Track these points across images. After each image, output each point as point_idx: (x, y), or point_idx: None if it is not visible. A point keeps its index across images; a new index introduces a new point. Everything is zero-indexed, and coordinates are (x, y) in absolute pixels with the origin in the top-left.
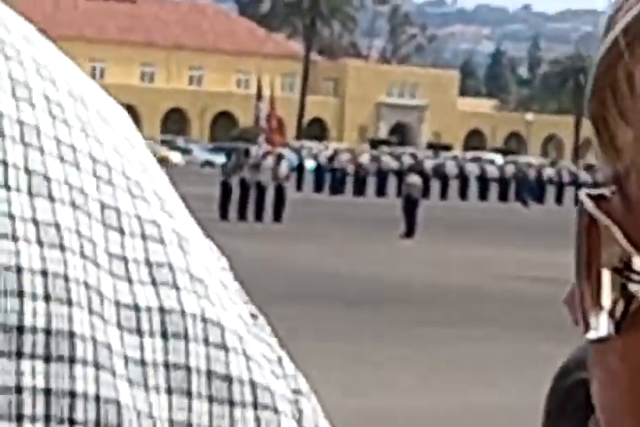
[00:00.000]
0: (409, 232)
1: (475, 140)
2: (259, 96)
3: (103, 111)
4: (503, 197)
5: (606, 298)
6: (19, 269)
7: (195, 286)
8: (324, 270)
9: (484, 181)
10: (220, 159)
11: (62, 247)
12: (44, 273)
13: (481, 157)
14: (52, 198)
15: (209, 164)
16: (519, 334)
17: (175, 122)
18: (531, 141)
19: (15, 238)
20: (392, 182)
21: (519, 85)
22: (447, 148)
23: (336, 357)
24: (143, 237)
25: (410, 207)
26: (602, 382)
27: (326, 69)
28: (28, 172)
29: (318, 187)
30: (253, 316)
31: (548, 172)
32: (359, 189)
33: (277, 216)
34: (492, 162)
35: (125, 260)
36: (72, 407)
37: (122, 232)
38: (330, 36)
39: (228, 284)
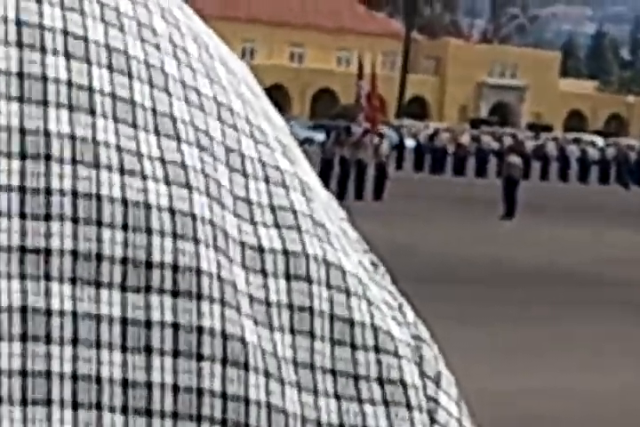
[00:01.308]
0: (509, 213)
1: (575, 121)
2: (360, 74)
3: (227, 61)
4: (604, 179)
5: None
6: (147, 206)
7: (317, 231)
8: (422, 249)
9: (584, 162)
10: (320, 137)
11: (189, 186)
12: (172, 211)
13: (581, 139)
14: (178, 138)
15: (309, 141)
16: (617, 315)
17: (276, 99)
18: (632, 123)
19: (144, 176)
20: (492, 163)
21: (621, 67)
22: (548, 128)
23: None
24: (266, 180)
25: (510, 188)
26: None
27: (427, 48)
28: (154, 113)
29: (418, 166)
30: (374, 264)
31: None
32: (459, 169)
33: (378, 194)
34: (592, 144)
35: (249, 202)
36: (199, 342)
37: (245, 175)
38: (431, 14)
39: (348, 232)
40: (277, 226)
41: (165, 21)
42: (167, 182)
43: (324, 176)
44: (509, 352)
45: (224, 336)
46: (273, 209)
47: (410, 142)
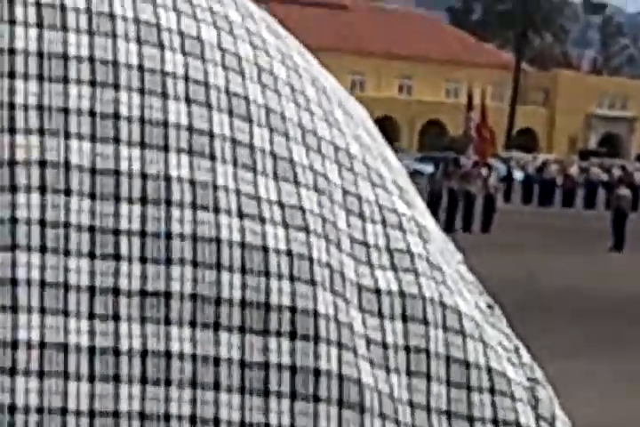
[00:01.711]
0: (618, 245)
1: None
2: (469, 106)
3: (344, 102)
4: None
5: None
6: (265, 249)
7: (433, 273)
8: (528, 281)
9: None
10: (428, 169)
11: (307, 230)
12: (289, 254)
13: None
14: (296, 182)
15: (418, 173)
16: None
17: (385, 131)
18: None
19: (262, 220)
20: (601, 194)
21: None
22: None
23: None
24: (384, 223)
25: (619, 220)
26: None
27: (537, 79)
28: (273, 156)
29: (527, 198)
30: (490, 306)
31: None
32: (568, 201)
33: (486, 227)
34: None
35: (367, 244)
36: (316, 385)
37: (363, 218)
38: (541, 45)
39: (464, 275)
40: (394, 268)
41: (285, 66)
42: (285, 226)
43: (433, 208)
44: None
45: (340, 378)
46: (390, 252)
47: (518, 174)
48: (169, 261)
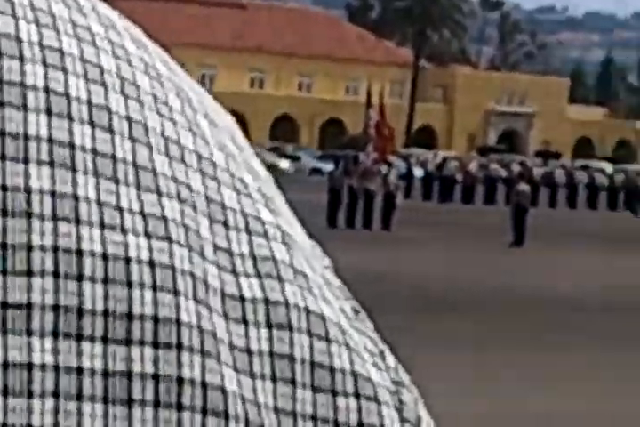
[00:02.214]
0: (518, 240)
1: (584, 148)
2: (368, 103)
3: (210, 113)
4: (612, 205)
5: None
6: (127, 260)
7: (298, 280)
8: (431, 278)
9: (593, 189)
10: (328, 167)
11: (169, 239)
12: (152, 263)
13: (590, 166)
14: (159, 193)
15: (317, 171)
16: (623, 343)
17: (284, 129)
18: None
19: (124, 230)
20: (501, 190)
21: (629, 93)
22: (556, 155)
23: (444, 365)
24: (248, 231)
25: (519, 215)
26: None
27: (435, 76)
28: (135, 166)
29: (427, 195)
30: (356, 311)
31: None
32: (468, 197)
33: (386, 224)
34: (601, 170)
35: (231, 252)
36: (180, 393)
37: (227, 226)
38: (439, 43)
39: (330, 280)
40: (259, 276)
41: (148, 76)
42: (147, 235)
43: (333, 206)
44: (524, 378)
45: (204, 386)
46: (254, 259)
47: (418, 171)
48: (30, 273)
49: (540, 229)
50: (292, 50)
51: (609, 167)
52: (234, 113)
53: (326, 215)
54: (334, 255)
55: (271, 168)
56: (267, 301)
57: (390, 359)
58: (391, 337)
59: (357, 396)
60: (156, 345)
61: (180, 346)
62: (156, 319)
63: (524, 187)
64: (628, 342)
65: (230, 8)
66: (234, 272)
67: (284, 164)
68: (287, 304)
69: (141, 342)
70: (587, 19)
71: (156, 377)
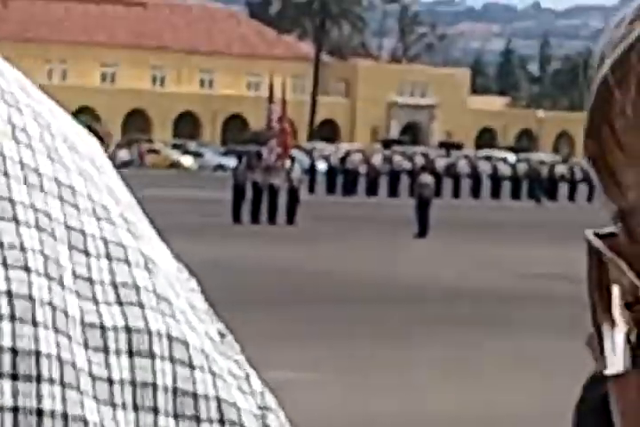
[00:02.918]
0: (422, 232)
1: (486, 138)
2: (270, 98)
3: (70, 138)
4: (516, 195)
5: (620, 334)
6: None
7: (161, 306)
8: (337, 272)
9: (496, 179)
10: (232, 162)
11: (27, 269)
12: (9, 294)
13: (493, 156)
14: (16, 221)
15: (221, 167)
16: (533, 332)
17: (187, 126)
18: (542, 139)
19: None
20: (404, 182)
21: (530, 83)
22: (459, 146)
23: (349, 358)
24: (109, 258)
25: (422, 207)
26: (623, 414)
27: (337, 70)
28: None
29: (331, 188)
30: (222, 334)
31: (561, 169)
32: (372, 190)
33: (291, 218)
34: (504, 160)
35: (91, 280)
36: (39, 425)
37: (87, 254)
38: (339, 36)
39: (196, 304)
40: (120, 303)
41: (6, 104)
42: (5, 266)
43: (237, 202)
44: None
45: (65, 418)
46: (115, 286)
47: (322, 165)
48: None
49: (444, 221)
50: (192, 47)
51: (512, 157)
52: (136, 111)
53: (231, 211)
54: (240, 250)
55: (175, 165)
56: (128, 328)
57: (256, 383)
58: (302, 328)
59: (222, 422)
60: (15, 377)
61: (39, 378)
62: (14, 351)
63: (426, 178)
64: (534, 331)
65: (130, 6)
66: (94, 300)
67: (188, 161)
68: (149, 332)
69: (0, 375)
70: (486, 9)
71: (15, 410)
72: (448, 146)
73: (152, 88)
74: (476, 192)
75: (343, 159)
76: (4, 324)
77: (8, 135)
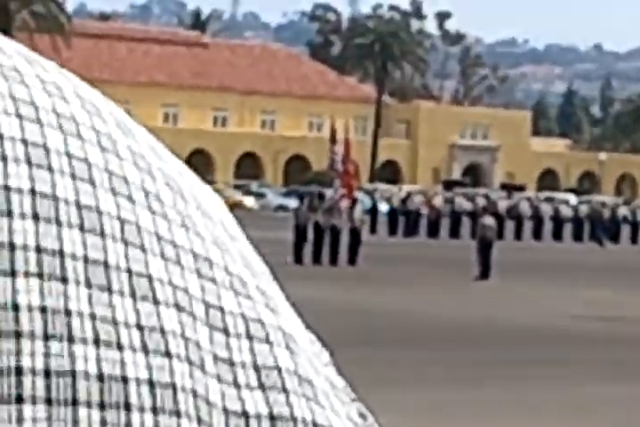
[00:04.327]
0: (484, 274)
1: (548, 180)
2: (332, 139)
3: (202, 203)
4: (578, 237)
5: None
6: (124, 380)
7: (304, 389)
8: (398, 313)
9: (558, 221)
10: (293, 203)
11: (169, 354)
12: (151, 383)
13: (554, 197)
14: (155, 301)
15: (282, 208)
16: (592, 374)
17: (248, 166)
18: (604, 181)
19: (120, 347)
20: (466, 224)
21: (592, 125)
22: (520, 188)
23: (418, 400)
24: (249, 337)
25: (484, 249)
26: None
27: (398, 112)
28: (130, 273)
29: (392, 229)
30: (362, 415)
31: (623, 211)
32: (433, 231)
33: (352, 259)
34: (565, 202)
35: (232, 363)
36: None
37: (227, 333)
38: (401, 78)
39: (334, 381)
40: (262, 387)
41: (137, 168)
42: (146, 352)
43: (299, 242)
44: (500, 413)
45: None
46: (257, 369)
47: (383, 206)
48: (19, 400)
49: (506, 262)
50: (254, 87)
51: (573, 199)
52: (198, 151)
53: (292, 251)
54: (302, 292)
55: (236, 206)
56: (272, 417)
57: None
58: (361, 371)
59: None
60: None
61: None
62: None
63: (489, 220)
64: (601, 374)
65: (192, 46)
66: (236, 385)
67: (250, 201)
68: (294, 419)
69: None
70: (548, 51)
71: None
72: (510, 188)
73: (214, 128)
74: (537, 234)
75: (405, 200)
76: (146, 416)
77: (142, 204)
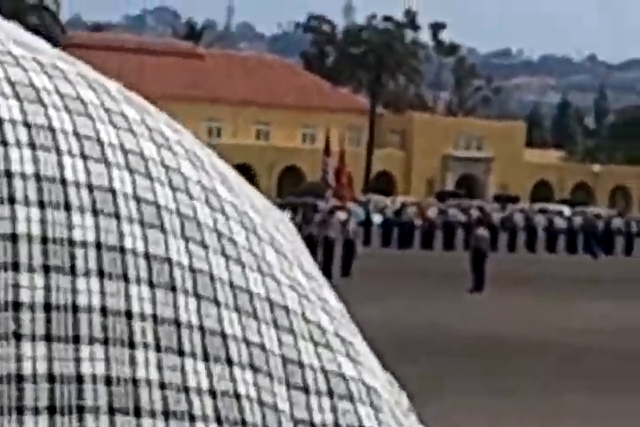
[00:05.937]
0: (478, 286)
1: (542, 191)
2: (326, 151)
3: (274, 236)
4: (571, 248)
5: None
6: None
7: None
8: (391, 325)
9: (551, 232)
10: (287, 214)
11: (244, 422)
12: None
13: (548, 209)
14: (229, 362)
15: None
16: (587, 385)
17: (243, 177)
18: (598, 192)
19: (193, 418)
20: (460, 235)
21: (586, 136)
22: (514, 199)
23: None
24: (330, 394)
25: (478, 261)
26: None
27: (392, 122)
28: (202, 331)
29: (386, 241)
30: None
31: (617, 222)
32: (427, 243)
33: (346, 271)
34: (559, 213)
35: (313, 424)
36: None
37: (307, 391)
38: (395, 89)
39: None
40: None
41: (210, 208)
42: (219, 422)
43: None
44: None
45: None
46: None
47: (377, 218)
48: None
49: (499, 274)
50: (248, 98)
51: (567, 210)
52: None
53: None
54: None
55: None
56: None
57: None
58: None
59: None
60: None
61: None
62: None
63: (482, 232)
64: (593, 387)
65: (186, 58)
66: None
67: None
68: None
69: None
70: (542, 62)
71: None
72: (503, 199)
73: (208, 140)
74: (531, 246)
75: (398, 212)
76: None
77: (218, 250)
